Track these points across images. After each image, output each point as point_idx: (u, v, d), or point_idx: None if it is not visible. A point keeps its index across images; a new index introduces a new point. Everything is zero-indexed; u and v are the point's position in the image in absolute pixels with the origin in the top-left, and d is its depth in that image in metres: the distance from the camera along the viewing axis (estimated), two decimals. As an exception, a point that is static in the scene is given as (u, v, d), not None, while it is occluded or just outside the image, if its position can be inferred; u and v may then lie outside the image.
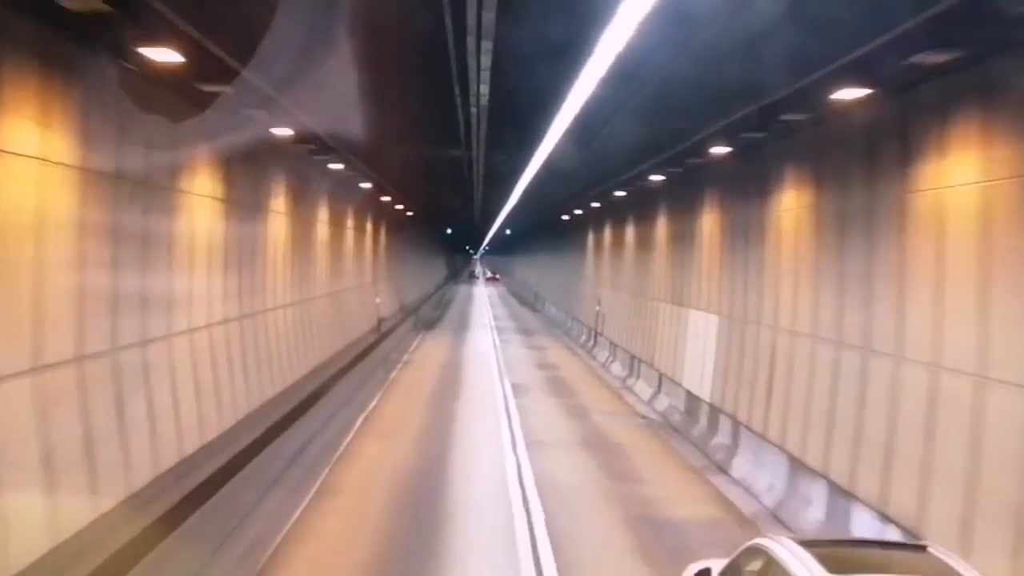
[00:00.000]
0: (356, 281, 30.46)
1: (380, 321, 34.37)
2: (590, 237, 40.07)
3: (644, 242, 26.95)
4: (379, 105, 19.42)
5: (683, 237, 22.00)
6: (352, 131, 19.01)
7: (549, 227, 53.41)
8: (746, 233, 16.90)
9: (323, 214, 23.47)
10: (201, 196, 13.19)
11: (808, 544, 6.93)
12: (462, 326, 47.73)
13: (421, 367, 29.84)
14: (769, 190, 15.52)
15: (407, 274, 51.09)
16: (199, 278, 13.34)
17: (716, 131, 14.44)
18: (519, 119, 26.19)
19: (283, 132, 13.79)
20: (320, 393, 19.61)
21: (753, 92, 11.52)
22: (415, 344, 36.54)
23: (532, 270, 75.09)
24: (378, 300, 35.52)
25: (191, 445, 12.45)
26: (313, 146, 17.82)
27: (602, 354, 32.97)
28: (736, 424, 16.73)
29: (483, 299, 75.02)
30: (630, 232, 29.55)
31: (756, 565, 7.09)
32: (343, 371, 23.30)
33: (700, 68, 10.79)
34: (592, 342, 36.19)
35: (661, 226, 24.60)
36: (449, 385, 26.10)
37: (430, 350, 35.17)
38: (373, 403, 22.10)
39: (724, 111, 13.06)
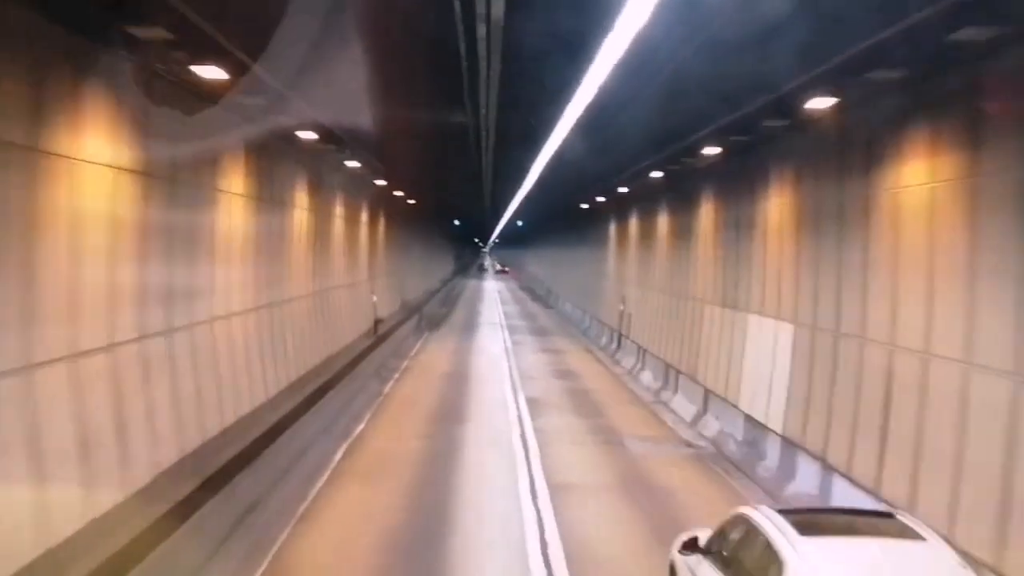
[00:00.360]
0: (347, 278, 26.54)
1: (377, 323, 30.44)
2: (612, 228, 36.03)
3: (683, 232, 22.92)
4: (369, 65, 15.58)
5: (737, 225, 17.99)
6: (334, 93, 15.18)
7: (565, 217, 49.39)
8: (839, 218, 12.89)
9: (301, 199, 19.52)
10: (97, 166, 9.27)
11: (785, 512, 7.58)
12: (470, 325, 43.79)
13: (422, 378, 25.90)
14: (879, 160, 11.52)
15: (410, 269, 47.19)
16: (104, 276, 9.45)
17: (821, 74, 10.41)
18: (533, 95, 22.20)
19: (212, 74, 9.76)
20: (291, 419, 15.69)
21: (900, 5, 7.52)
22: (417, 348, 32.59)
23: (545, 264, 71.07)
24: (375, 299, 31.60)
25: (93, 510, 8.56)
26: (268, 101, 13.84)
27: (628, 360, 28.97)
28: (826, 468, 12.74)
29: (493, 294, 71.08)
30: (664, 221, 25.52)
31: (739, 531, 7.62)
32: (326, 387, 19.37)
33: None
34: (615, 345, 32.20)
35: (707, 213, 20.56)
36: (453, 401, 22.15)
37: (433, 355, 31.22)
38: (359, 428, 18.16)
39: (844, 42, 9.03)
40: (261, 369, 15.93)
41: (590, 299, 41.83)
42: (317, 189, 21.14)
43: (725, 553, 7.73)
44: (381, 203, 33.75)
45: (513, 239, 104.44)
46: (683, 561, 8.49)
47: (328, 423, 17.57)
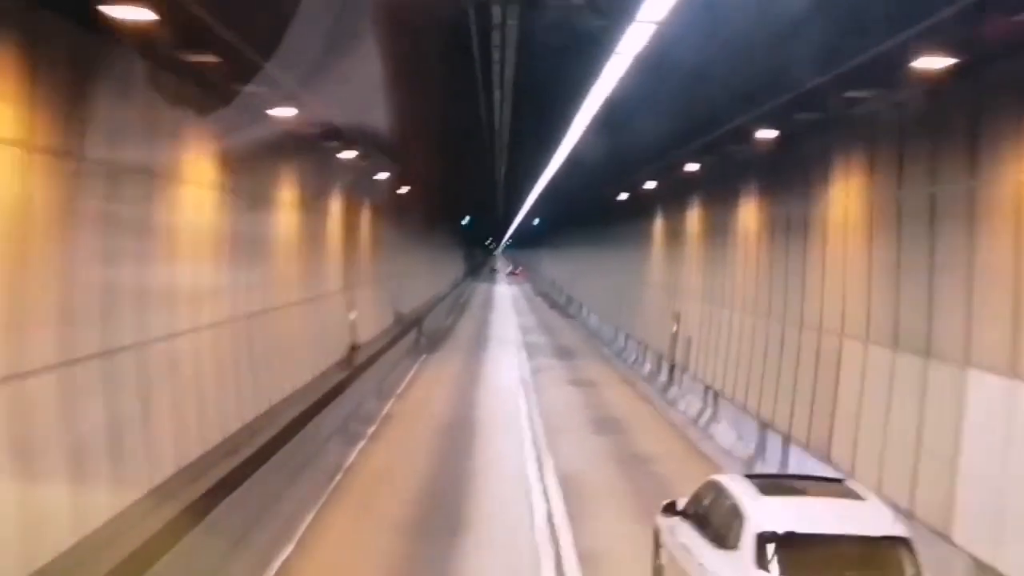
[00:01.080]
0: (306, 291, 19.03)
1: (353, 349, 22.92)
2: (660, 222, 28.42)
3: (793, 225, 15.34)
4: None
5: (932, 210, 10.42)
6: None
7: (594, 212, 41.82)
8: None
9: (199, 171, 12.03)
10: None
11: (750, 477, 9.32)
12: (479, 343, 36.28)
13: (406, 434, 18.36)
14: None
15: (409, 274, 39.70)
16: None
17: None
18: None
19: None
20: (160, 546, 8.17)
21: None
22: (407, 381, 25.06)
23: (563, 266, 63.47)
24: (353, 316, 24.12)
25: None
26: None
27: (689, 403, 21.32)
28: None
29: (505, 301, 63.68)
30: (753, 209, 17.88)
31: (710, 495, 8.64)
32: (240, 474, 11.89)
33: None
34: (665, 377, 24.61)
35: (846, 193, 12.96)
36: (448, 484, 14.56)
37: (428, 392, 23.71)
38: (283, 555, 10.64)
39: None
40: (93, 469, 8.44)
41: (625, 312, 34.22)
42: (241, 161, 13.69)
43: (699, 514, 8.61)
44: (363, 190, 26.31)
45: (527, 240, 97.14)
46: (664, 523, 9.45)
47: (222, 557, 9.99)
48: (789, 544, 7.20)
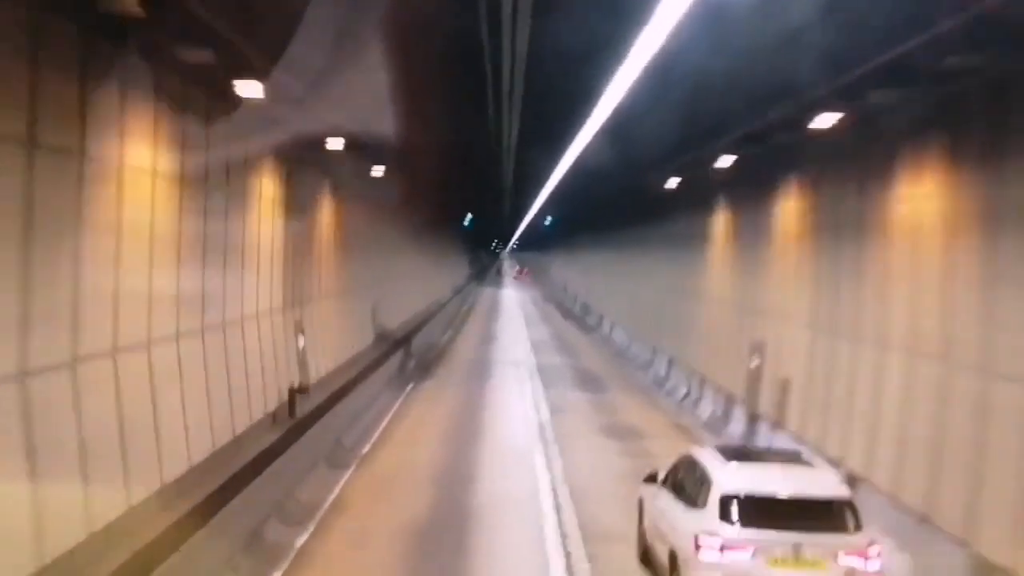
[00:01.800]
0: (204, 315, 12.06)
1: (296, 393, 15.91)
2: (722, 216, 21.39)
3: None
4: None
5: None
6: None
7: (620, 207, 34.90)
8: None
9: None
10: None
11: (719, 448, 10.30)
12: (482, 366, 29.23)
13: (357, 554, 11.20)
14: None
15: (398, 281, 32.77)
16: None
17: None
18: None
19: None
20: None
21: None
22: (380, 432, 17.95)
23: (579, 271, 56.44)
24: (301, 343, 17.16)
25: None
26: None
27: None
28: None
29: (513, 309, 56.73)
30: (927, 191, 10.82)
31: (685, 465, 9.88)
32: None
33: None
34: (741, 427, 17.64)
35: None
36: None
37: (406, 454, 16.55)
38: None
39: None
40: None
41: (667, 330, 27.20)
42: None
43: (676, 481, 9.85)
44: (332, 176, 19.46)
45: (536, 242, 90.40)
46: (647, 492, 10.67)
47: None
48: (749, 503, 8.56)
